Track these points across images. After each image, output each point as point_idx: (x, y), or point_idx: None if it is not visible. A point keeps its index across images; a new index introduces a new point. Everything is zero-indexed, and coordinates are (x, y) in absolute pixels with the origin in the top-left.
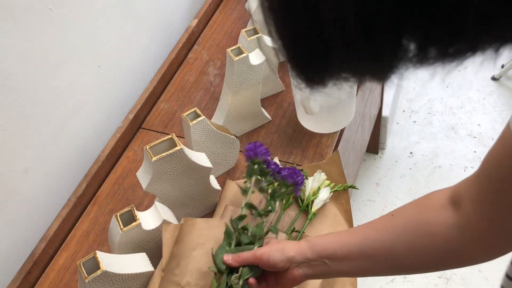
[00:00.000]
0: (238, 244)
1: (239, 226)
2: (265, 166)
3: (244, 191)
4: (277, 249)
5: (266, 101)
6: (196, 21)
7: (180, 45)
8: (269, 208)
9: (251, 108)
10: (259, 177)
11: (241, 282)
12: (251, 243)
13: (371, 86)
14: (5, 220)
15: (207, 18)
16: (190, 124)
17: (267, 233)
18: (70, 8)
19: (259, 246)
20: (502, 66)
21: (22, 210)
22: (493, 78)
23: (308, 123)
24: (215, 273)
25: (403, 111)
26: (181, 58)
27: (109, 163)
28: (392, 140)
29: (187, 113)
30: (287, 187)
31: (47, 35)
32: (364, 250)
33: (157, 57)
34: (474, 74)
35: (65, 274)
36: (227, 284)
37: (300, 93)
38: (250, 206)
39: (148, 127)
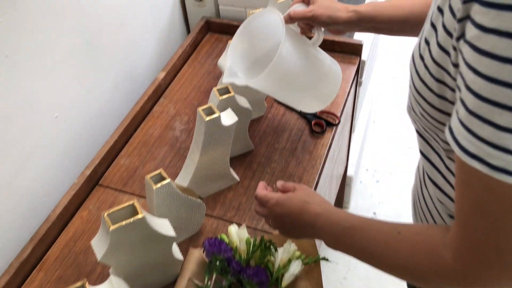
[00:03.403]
0: None
1: None
2: (226, 264)
3: None
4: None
5: (235, 161)
6: (163, 73)
7: (146, 97)
8: None
9: (219, 169)
10: (220, 275)
11: None
12: None
13: (340, 145)
14: None
15: (175, 71)
16: (154, 187)
17: None
18: (27, 55)
19: None
20: None
21: None
22: None
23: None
24: None
25: (366, 169)
26: (146, 110)
27: (60, 223)
28: (356, 199)
29: (151, 175)
30: (252, 286)
31: (1, 83)
32: None
33: (120, 109)
34: None
35: None
36: None
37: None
38: None
39: (106, 184)
